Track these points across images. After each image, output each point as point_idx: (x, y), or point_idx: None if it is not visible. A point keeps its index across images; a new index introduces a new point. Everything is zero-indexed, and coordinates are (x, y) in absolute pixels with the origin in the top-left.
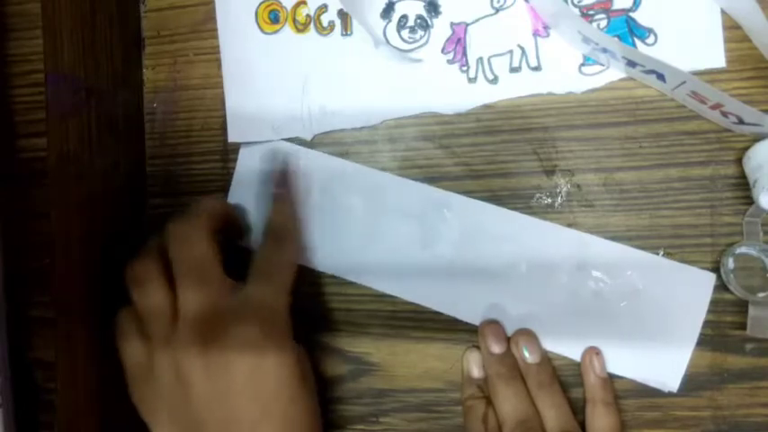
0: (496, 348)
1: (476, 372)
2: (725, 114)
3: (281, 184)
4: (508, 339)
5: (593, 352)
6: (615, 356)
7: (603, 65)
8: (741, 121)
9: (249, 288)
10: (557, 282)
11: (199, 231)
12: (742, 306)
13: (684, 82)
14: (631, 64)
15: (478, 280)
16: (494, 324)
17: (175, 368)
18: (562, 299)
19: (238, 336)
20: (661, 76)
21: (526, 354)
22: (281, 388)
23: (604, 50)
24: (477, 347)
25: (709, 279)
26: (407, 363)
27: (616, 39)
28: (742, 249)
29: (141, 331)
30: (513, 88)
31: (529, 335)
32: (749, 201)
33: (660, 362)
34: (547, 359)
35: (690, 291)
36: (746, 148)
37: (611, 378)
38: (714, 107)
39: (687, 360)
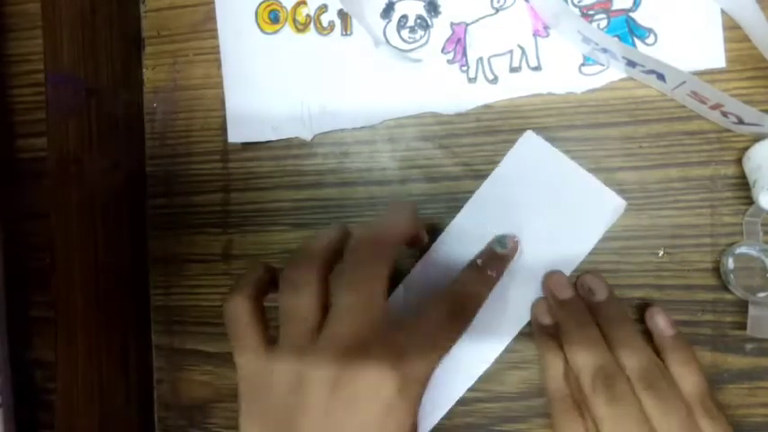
0: (563, 294)
1: (545, 319)
2: (725, 114)
3: (496, 267)
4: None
5: (655, 311)
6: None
7: (603, 65)
8: (741, 121)
9: (405, 341)
10: None
11: (384, 250)
12: (742, 306)
13: (684, 82)
14: (631, 64)
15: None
16: (556, 273)
17: (299, 378)
18: None
19: (375, 380)
20: (661, 77)
21: (593, 294)
22: None
23: (604, 50)
24: (543, 298)
25: (620, 204)
26: None
27: (616, 39)
28: (742, 249)
29: (262, 331)
30: (513, 88)
31: (593, 274)
32: (749, 201)
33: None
34: (614, 296)
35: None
36: (746, 148)
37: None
38: (714, 107)
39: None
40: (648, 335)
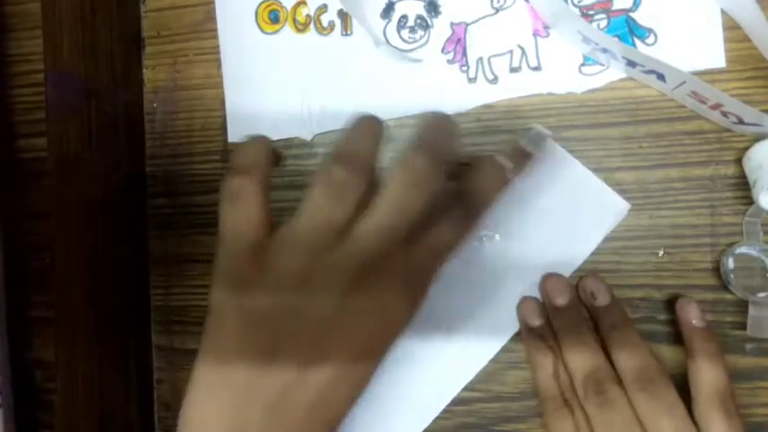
0: (561, 300)
1: (535, 321)
2: (725, 114)
3: (519, 159)
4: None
5: (686, 301)
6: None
7: (603, 65)
8: (741, 121)
9: (411, 251)
10: None
11: (426, 187)
12: (742, 306)
13: (684, 82)
14: (631, 64)
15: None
16: (554, 276)
17: (306, 274)
18: None
19: (385, 292)
20: (661, 76)
21: (595, 297)
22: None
23: (604, 50)
24: (530, 297)
25: (623, 207)
26: None
27: (616, 39)
28: (742, 249)
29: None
30: (513, 88)
31: (595, 278)
32: (749, 201)
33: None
34: (616, 300)
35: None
36: (746, 148)
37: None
38: (714, 107)
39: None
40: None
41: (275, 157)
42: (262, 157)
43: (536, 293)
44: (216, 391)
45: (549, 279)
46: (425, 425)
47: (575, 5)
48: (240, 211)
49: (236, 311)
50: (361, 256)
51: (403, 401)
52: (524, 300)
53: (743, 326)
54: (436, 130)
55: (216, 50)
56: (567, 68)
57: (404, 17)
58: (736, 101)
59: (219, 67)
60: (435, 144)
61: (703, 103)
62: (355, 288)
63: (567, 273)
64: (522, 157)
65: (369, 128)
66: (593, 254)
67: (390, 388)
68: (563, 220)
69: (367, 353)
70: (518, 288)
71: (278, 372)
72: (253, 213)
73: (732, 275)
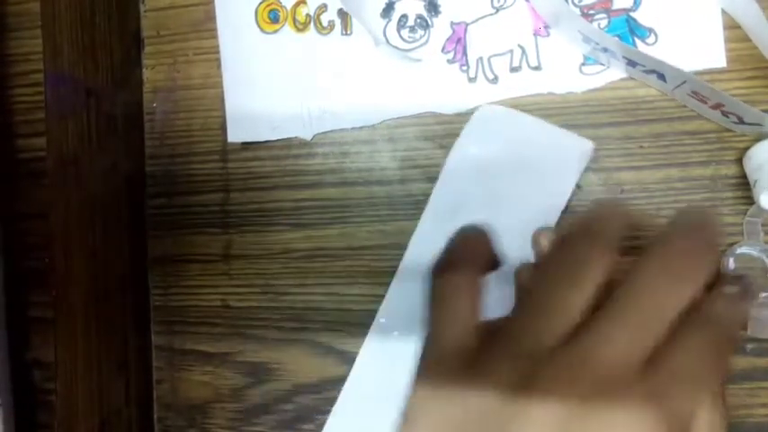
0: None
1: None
2: (725, 114)
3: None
4: None
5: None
6: None
7: (604, 65)
8: (741, 121)
9: (666, 380)
10: None
11: (692, 281)
12: None
13: (685, 82)
14: (632, 64)
15: None
16: (545, 229)
17: (522, 380)
18: None
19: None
20: (661, 76)
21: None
22: None
23: (605, 50)
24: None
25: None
26: None
27: (616, 38)
28: (743, 249)
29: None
30: (513, 88)
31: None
32: (750, 201)
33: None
34: None
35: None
36: (747, 148)
37: None
38: (715, 107)
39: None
40: None
41: (493, 261)
42: (478, 256)
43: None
44: None
45: (541, 233)
46: None
47: (575, 5)
48: (455, 307)
49: (435, 424)
50: (600, 365)
51: None
52: (522, 267)
53: (743, 326)
54: (699, 222)
55: (215, 50)
56: (568, 68)
57: (404, 17)
58: (736, 100)
59: (219, 66)
60: (699, 233)
61: (704, 102)
62: (584, 408)
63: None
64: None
65: (618, 209)
66: None
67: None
68: (531, 177)
69: None
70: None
71: None
72: (466, 314)
73: None
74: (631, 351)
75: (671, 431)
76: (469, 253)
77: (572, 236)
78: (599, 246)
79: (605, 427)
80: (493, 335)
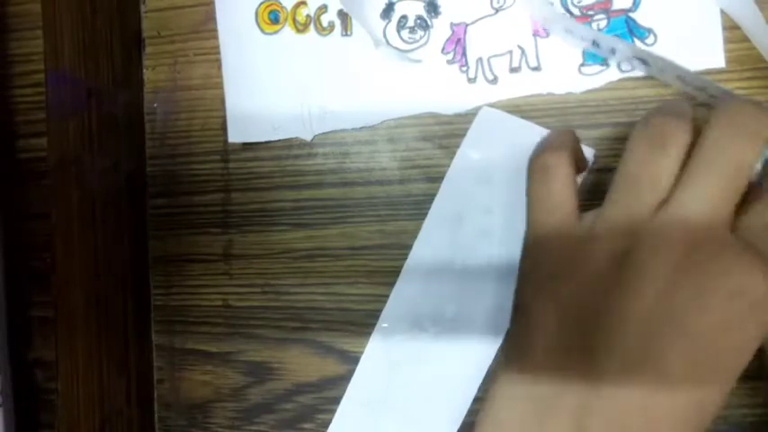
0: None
1: None
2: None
3: None
4: None
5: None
6: None
7: (606, 58)
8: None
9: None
10: None
11: (758, 135)
12: None
13: (681, 74)
14: (612, 51)
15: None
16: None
17: (627, 254)
18: None
19: (738, 272)
20: (645, 62)
21: None
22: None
23: (596, 44)
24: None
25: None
26: None
27: (607, 36)
28: None
29: (576, 198)
30: (512, 88)
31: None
32: None
33: None
34: None
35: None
36: None
37: None
38: (699, 89)
39: None
40: None
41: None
42: (572, 141)
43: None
44: (518, 404)
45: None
46: (457, 425)
47: (574, 5)
48: (551, 188)
49: (543, 310)
50: (692, 224)
51: (433, 403)
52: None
53: None
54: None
55: (216, 51)
56: (567, 68)
57: (404, 17)
58: (717, 84)
59: (220, 67)
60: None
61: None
62: (688, 265)
63: None
64: None
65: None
66: None
67: (419, 390)
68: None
69: (713, 363)
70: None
71: (588, 380)
72: (565, 193)
73: None
74: (717, 205)
75: None
76: (563, 140)
77: (647, 117)
78: (674, 118)
79: (708, 279)
80: (592, 217)
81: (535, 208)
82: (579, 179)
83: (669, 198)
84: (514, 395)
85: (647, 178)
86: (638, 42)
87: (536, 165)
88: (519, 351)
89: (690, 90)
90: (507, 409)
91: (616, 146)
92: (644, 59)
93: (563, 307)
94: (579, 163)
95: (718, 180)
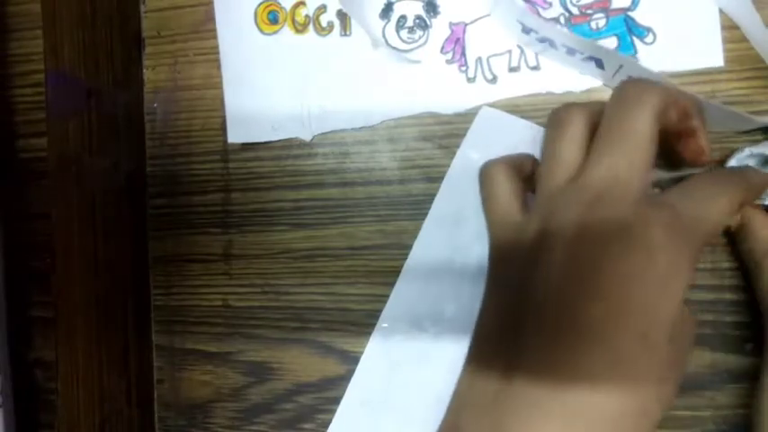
0: None
1: None
2: None
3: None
4: None
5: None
6: None
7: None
8: None
9: (671, 197)
10: None
11: (647, 103)
12: (742, 306)
13: (622, 66)
14: (571, 52)
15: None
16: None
17: (541, 232)
18: None
19: (637, 234)
20: (600, 63)
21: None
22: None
23: (543, 40)
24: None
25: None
26: None
27: (552, 23)
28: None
29: (521, 196)
30: (512, 88)
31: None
32: None
33: None
34: None
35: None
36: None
37: None
38: None
39: None
40: None
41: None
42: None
43: None
44: (459, 391)
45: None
46: None
47: (573, 5)
48: (497, 191)
49: (488, 296)
50: (595, 190)
51: (433, 403)
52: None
53: (743, 326)
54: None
55: (216, 51)
56: (566, 68)
57: (403, 17)
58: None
59: (219, 67)
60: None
61: None
62: (591, 226)
63: None
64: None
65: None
66: None
67: (419, 390)
68: None
69: (631, 316)
70: None
71: (511, 357)
72: (508, 195)
73: None
74: (619, 172)
75: (679, 232)
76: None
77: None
78: (571, 105)
79: (609, 234)
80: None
81: (487, 210)
82: None
83: (577, 173)
84: (460, 382)
85: (554, 157)
86: (636, 42)
87: (481, 173)
88: (471, 338)
89: None
90: (453, 397)
91: None
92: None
93: (501, 291)
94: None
95: (616, 149)
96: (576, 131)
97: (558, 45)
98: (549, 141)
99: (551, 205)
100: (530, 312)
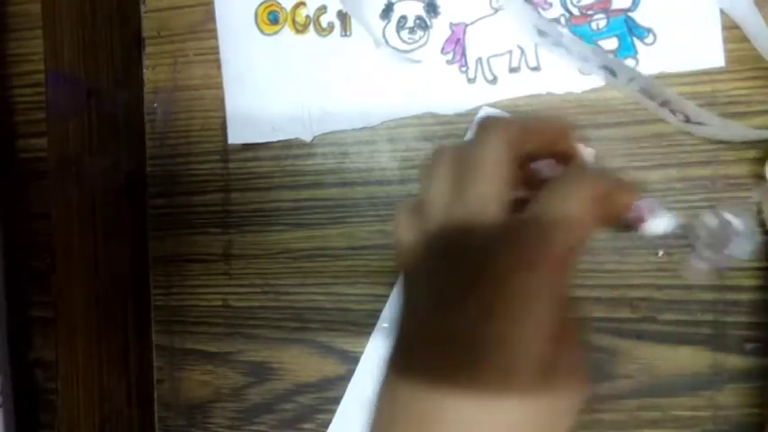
0: None
1: None
2: (673, 112)
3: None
4: None
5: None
6: None
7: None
8: (688, 120)
9: (541, 206)
10: None
11: (494, 134)
12: (742, 306)
13: (633, 78)
14: (585, 59)
15: None
16: None
17: (428, 253)
18: None
19: (498, 262)
20: (612, 72)
21: None
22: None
23: (558, 45)
24: None
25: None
26: None
27: (567, 30)
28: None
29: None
30: (512, 88)
31: None
32: (750, 201)
33: None
34: None
35: None
36: (747, 149)
37: None
38: (663, 104)
39: None
40: None
41: None
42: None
43: None
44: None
45: None
46: None
47: (574, 5)
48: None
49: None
50: (460, 224)
51: None
52: None
53: (743, 326)
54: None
55: (216, 51)
56: (566, 68)
57: (403, 18)
58: (680, 98)
59: (219, 67)
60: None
61: (653, 100)
62: (458, 261)
63: None
64: None
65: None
66: (593, 254)
67: None
68: None
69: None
70: None
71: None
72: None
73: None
74: (482, 202)
75: (537, 253)
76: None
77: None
78: (441, 147)
79: (475, 268)
80: None
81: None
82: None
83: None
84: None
85: (430, 198)
86: (636, 42)
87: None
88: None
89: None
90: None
91: (616, 145)
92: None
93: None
94: None
95: (479, 180)
96: (443, 170)
97: (573, 52)
98: (422, 178)
99: (428, 243)
100: (421, 327)
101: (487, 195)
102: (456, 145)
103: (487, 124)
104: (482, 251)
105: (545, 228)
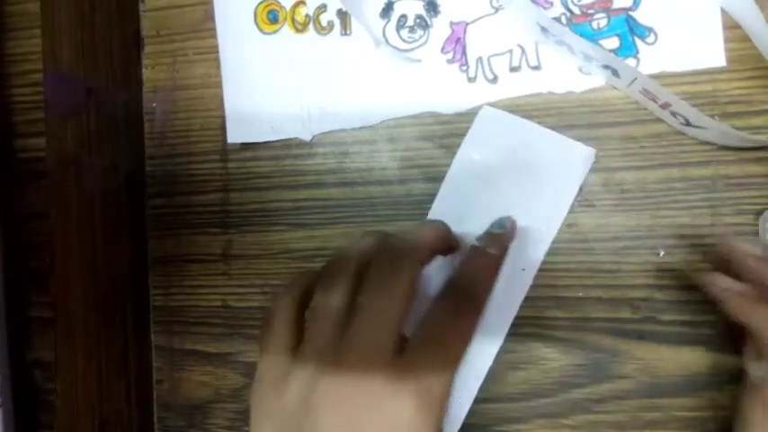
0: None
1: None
2: (674, 114)
3: (497, 246)
4: None
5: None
6: None
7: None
8: (688, 123)
9: (413, 354)
10: None
11: (409, 266)
12: None
13: (636, 79)
14: (588, 58)
15: None
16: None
17: (311, 388)
18: None
19: (389, 406)
20: (615, 72)
21: None
22: None
23: (561, 43)
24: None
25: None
26: None
27: (567, 29)
28: None
29: (295, 336)
30: (512, 88)
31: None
32: (750, 201)
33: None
34: None
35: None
36: (747, 149)
37: None
38: (663, 106)
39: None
40: None
41: None
42: (299, 284)
43: (528, 267)
44: None
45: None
46: (458, 426)
47: (574, 4)
48: (273, 328)
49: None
50: (356, 351)
51: None
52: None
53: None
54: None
55: (215, 50)
56: (567, 67)
57: (403, 17)
58: (682, 101)
59: (218, 66)
60: (409, 235)
61: (654, 101)
62: (346, 402)
63: (552, 232)
64: (498, 239)
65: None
66: (593, 254)
67: None
68: (535, 183)
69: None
70: (509, 266)
71: None
72: (284, 332)
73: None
74: (374, 335)
75: (424, 398)
76: (292, 283)
77: (330, 259)
78: (340, 264)
79: (363, 412)
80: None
81: (260, 339)
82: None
83: (345, 327)
84: None
85: (323, 314)
86: (638, 42)
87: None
88: None
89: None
90: None
91: (617, 145)
92: (615, 69)
93: (272, 422)
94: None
95: (372, 314)
96: (344, 288)
97: (575, 51)
98: (319, 294)
99: (320, 361)
100: None
101: (380, 325)
102: (351, 263)
103: (387, 255)
104: (367, 383)
105: (434, 373)
